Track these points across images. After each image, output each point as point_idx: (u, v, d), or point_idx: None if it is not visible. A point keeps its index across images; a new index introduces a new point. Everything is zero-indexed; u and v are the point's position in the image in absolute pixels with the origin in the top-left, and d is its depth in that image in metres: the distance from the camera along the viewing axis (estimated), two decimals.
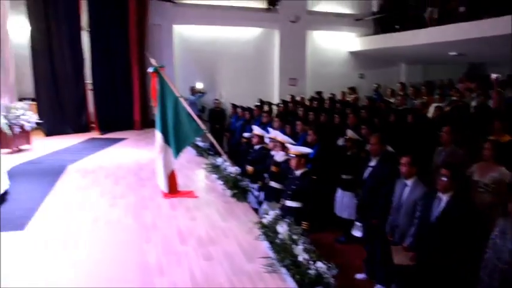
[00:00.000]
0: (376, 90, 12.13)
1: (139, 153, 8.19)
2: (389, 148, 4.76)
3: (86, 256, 3.77)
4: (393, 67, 13.98)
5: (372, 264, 4.19)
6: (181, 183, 5.83)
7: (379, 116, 7.17)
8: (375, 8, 13.27)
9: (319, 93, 11.81)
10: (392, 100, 9.53)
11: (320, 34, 13.37)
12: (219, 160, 6.54)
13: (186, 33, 12.33)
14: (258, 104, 9.83)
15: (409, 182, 3.74)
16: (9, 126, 7.16)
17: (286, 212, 4.22)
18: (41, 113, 9.47)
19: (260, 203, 5.41)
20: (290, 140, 5.43)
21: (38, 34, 9.98)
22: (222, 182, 5.92)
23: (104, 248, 3.94)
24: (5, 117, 7.34)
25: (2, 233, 4.23)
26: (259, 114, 8.56)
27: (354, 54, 13.58)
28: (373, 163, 4.48)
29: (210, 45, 12.38)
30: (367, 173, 4.47)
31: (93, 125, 10.75)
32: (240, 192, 5.50)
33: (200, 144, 8.07)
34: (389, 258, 3.55)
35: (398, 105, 8.56)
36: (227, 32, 12.50)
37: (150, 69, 5.57)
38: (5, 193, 5.36)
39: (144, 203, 5.24)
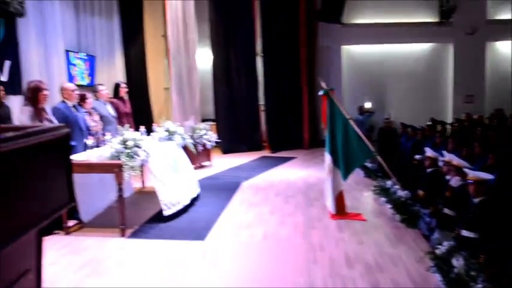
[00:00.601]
0: None
1: (307, 173, 8.42)
2: None
3: (254, 270, 4.00)
4: None
5: None
6: (349, 205, 5.81)
7: None
8: None
9: (499, 110, 10.65)
10: None
11: (502, 45, 12.08)
12: (388, 183, 6.34)
13: (354, 53, 12.35)
14: (430, 123, 9.32)
15: None
16: (194, 145, 8.04)
17: (461, 242, 3.89)
18: (219, 132, 10.48)
19: (432, 230, 5.06)
20: (467, 164, 5.00)
21: (218, 62, 11.14)
22: (391, 206, 5.72)
23: (272, 264, 4.12)
24: (191, 136, 8.25)
25: (185, 241, 4.77)
26: (432, 134, 8.11)
27: None
28: None
29: (378, 64, 12.18)
30: None
31: (265, 144, 11.43)
32: (410, 218, 5.24)
33: (368, 165, 7.94)
34: None
35: None
36: (396, 49, 12.16)
37: (320, 92, 5.72)
38: (197, 197, 6.30)
39: (312, 223, 5.35)
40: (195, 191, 6.51)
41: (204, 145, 8.88)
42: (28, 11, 7.39)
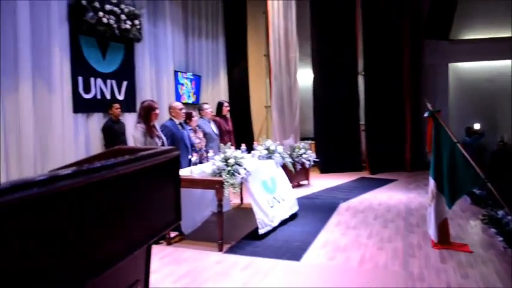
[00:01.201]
0: None
1: (408, 197, 8.07)
2: None
3: None
4: None
5: None
6: (454, 234, 5.47)
7: None
8: None
9: None
10: None
11: None
12: (499, 212, 5.86)
13: (462, 71, 11.67)
14: None
15: None
16: (293, 163, 8.11)
17: None
18: (318, 151, 10.46)
19: None
20: None
21: (319, 80, 11.19)
22: (502, 239, 5.27)
23: None
24: (290, 155, 8.35)
25: (281, 260, 4.82)
26: None
27: None
28: None
29: (488, 82, 11.34)
30: None
31: (364, 165, 11.18)
32: None
33: (476, 191, 7.41)
34: None
35: None
36: (508, 66, 11.19)
37: (425, 114, 5.49)
38: (294, 216, 6.45)
39: (412, 251, 5.12)
40: (293, 209, 6.58)
41: (302, 164, 8.94)
42: (144, 36, 8.10)
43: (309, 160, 9.11)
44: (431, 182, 5.32)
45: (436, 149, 5.33)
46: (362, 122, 11.34)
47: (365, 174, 10.71)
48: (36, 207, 0.94)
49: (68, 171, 1.09)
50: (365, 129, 11.24)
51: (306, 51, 11.35)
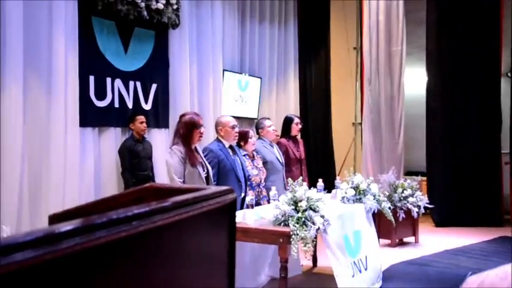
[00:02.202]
0: None
1: None
2: None
3: None
4: None
5: None
6: None
7: None
8: None
9: None
10: None
11: None
12: None
13: None
14: None
15: None
16: (393, 210, 7.96)
17: None
18: (432, 193, 10.21)
19: None
20: None
21: (437, 85, 10.85)
22: None
23: None
24: (389, 198, 8.21)
25: None
26: None
27: None
28: None
29: None
30: None
31: (508, 217, 10.77)
32: None
33: None
34: None
35: None
36: None
37: None
38: None
39: None
40: (376, 285, 6.33)
41: (407, 212, 8.74)
42: (183, 21, 8.27)
43: (418, 206, 8.90)
44: None
45: None
46: (505, 150, 10.97)
47: (508, 232, 10.30)
48: (26, 279, 0.93)
49: (74, 225, 1.10)
50: (510, 162, 10.84)
51: (417, 42, 11.19)
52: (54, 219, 1.80)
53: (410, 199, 8.82)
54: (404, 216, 8.69)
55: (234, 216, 1.78)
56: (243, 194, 5.98)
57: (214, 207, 1.55)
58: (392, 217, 7.37)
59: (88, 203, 2.03)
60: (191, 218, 1.42)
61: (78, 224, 1.08)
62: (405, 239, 9.05)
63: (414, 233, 9.18)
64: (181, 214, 1.38)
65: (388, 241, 8.62)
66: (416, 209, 8.88)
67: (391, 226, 7.80)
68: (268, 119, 7.72)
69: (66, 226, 1.05)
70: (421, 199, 9.03)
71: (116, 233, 1.13)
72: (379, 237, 7.41)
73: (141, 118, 7.45)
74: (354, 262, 6.01)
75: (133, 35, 7.68)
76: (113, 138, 7.41)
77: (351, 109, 12.48)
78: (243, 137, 6.61)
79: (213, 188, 1.64)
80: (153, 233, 1.24)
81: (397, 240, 8.76)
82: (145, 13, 7.44)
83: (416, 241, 9.15)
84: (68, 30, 6.69)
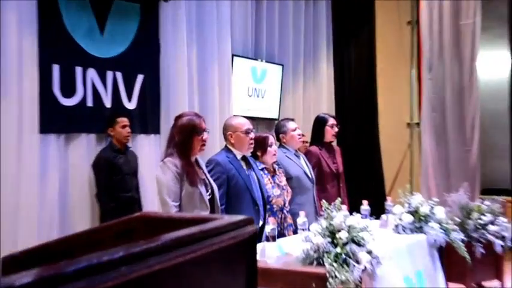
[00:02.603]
0: None
1: None
2: None
3: None
4: None
5: None
6: None
7: None
8: None
9: None
10: None
11: None
12: None
13: None
14: None
15: None
16: (467, 243, 7.90)
17: None
18: None
19: None
20: None
21: None
22: None
23: None
24: (461, 225, 8.13)
25: None
26: None
27: None
28: None
29: None
30: None
31: None
32: None
33: None
34: None
35: None
36: None
37: None
38: None
39: None
40: None
41: (487, 245, 8.68)
42: None
43: (503, 238, 8.84)
44: None
45: None
46: None
47: None
48: None
49: (35, 276, 1.09)
50: None
51: (496, 12, 11.14)
52: (8, 264, 1.78)
53: (491, 227, 8.74)
54: (483, 251, 8.63)
55: (255, 256, 1.77)
56: (261, 222, 5.96)
57: (227, 243, 1.53)
58: (466, 253, 7.33)
59: (55, 239, 2.01)
60: (198, 260, 1.41)
61: (42, 273, 1.06)
62: (485, 284, 8.96)
63: (499, 274, 9.08)
64: (185, 255, 1.37)
65: (461, 286, 8.53)
66: (500, 242, 8.81)
67: (465, 265, 7.75)
68: (293, 120, 7.70)
69: (23, 278, 1.03)
70: (507, 227, 8.97)
71: (98, 284, 1.12)
72: (447, 281, 7.38)
73: (123, 121, 7.42)
74: None
75: (112, 10, 7.65)
76: (85, 148, 7.37)
77: (405, 106, 12.45)
78: (261, 145, 6.56)
79: (226, 218, 1.61)
80: (148, 281, 1.23)
81: (475, 284, 8.70)
82: None
83: (503, 286, 9.06)
84: (22, 5, 6.72)
